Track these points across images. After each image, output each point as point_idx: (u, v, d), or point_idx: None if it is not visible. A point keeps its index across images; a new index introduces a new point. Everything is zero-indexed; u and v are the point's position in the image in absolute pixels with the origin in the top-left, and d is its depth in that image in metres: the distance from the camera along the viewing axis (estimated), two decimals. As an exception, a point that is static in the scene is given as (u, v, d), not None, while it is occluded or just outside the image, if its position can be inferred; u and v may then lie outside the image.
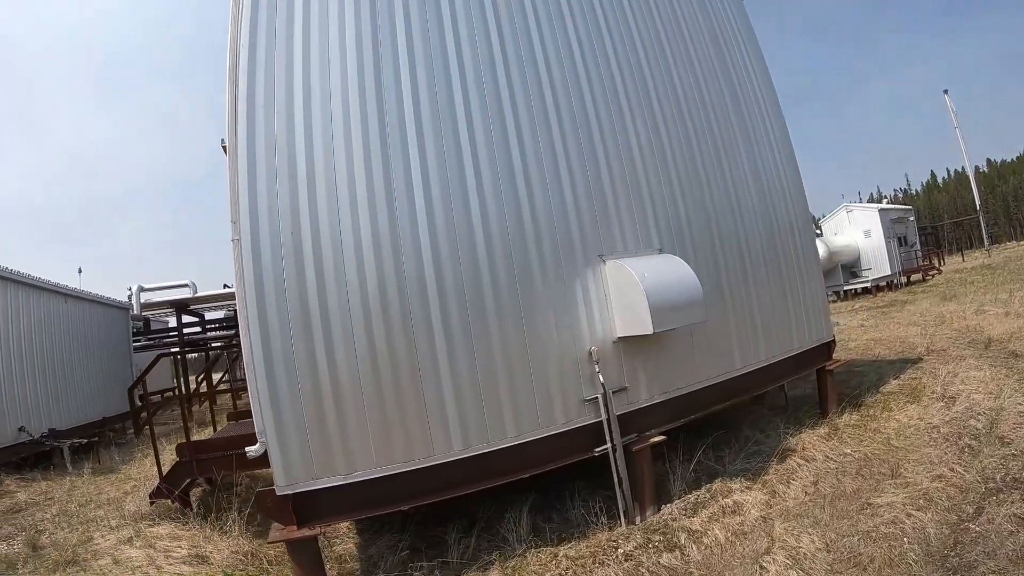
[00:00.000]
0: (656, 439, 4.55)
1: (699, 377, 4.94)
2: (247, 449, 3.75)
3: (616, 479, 4.34)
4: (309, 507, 3.59)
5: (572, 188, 4.43)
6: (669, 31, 5.45)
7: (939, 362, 7.51)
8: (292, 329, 3.68)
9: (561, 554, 3.94)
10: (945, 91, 35.73)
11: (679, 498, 4.55)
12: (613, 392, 4.39)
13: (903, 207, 26.97)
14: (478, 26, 4.37)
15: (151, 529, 4.93)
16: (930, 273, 23.82)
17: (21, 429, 9.73)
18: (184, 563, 4.24)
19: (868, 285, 21.61)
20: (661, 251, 4.77)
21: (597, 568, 3.71)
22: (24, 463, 9.25)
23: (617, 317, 4.35)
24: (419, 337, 3.86)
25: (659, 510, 4.45)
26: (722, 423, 6.20)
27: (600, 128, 4.67)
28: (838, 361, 6.48)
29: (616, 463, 4.34)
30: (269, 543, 3.94)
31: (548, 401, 4.16)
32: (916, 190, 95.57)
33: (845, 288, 22.20)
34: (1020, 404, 5.35)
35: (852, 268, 22.55)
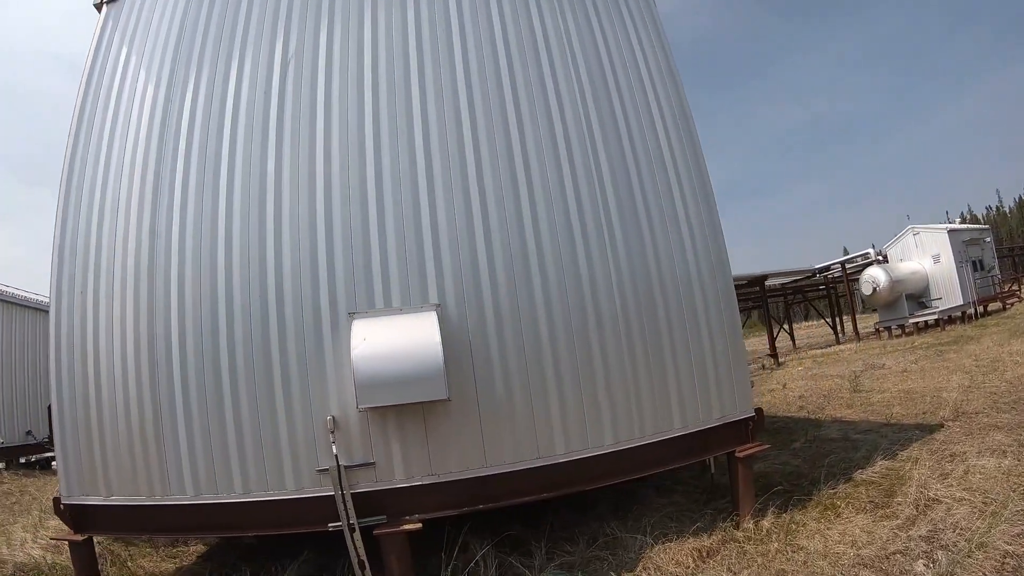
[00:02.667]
0: (410, 526, 4.02)
1: (492, 461, 4.20)
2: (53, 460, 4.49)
3: (356, 562, 3.97)
4: (81, 516, 4.15)
5: (328, 237, 4.25)
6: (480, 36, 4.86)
7: (959, 434, 5.75)
8: (75, 367, 4.31)
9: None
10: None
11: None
12: (357, 466, 4.05)
13: (978, 227, 23.18)
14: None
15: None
16: (1010, 301, 21.19)
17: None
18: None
19: (936, 317, 19.09)
20: (438, 306, 4.24)
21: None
22: None
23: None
24: (162, 392, 4.13)
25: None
26: (595, 509, 5.15)
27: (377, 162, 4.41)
28: (758, 447, 4.83)
29: (354, 544, 3.97)
30: (52, 539, 4.62)
31: (278, 465, 4.04)
32: (1010, 207, 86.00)
33: (912, 321, 19.74)
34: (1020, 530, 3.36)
35: (920, 298, 20.25)
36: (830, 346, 21.52)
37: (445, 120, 4.54)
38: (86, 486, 4.20)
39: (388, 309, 4.17)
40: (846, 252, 26.78)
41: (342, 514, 3.95)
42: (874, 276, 19.80)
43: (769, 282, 21.57)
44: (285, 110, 4.36)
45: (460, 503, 4.17)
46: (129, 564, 4.56)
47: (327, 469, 3.99)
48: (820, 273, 23.93)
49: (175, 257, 4.20)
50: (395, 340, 3.85)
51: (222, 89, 4.28)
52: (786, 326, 26.64)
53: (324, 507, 4.02)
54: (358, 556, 3.96)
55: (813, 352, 20.14)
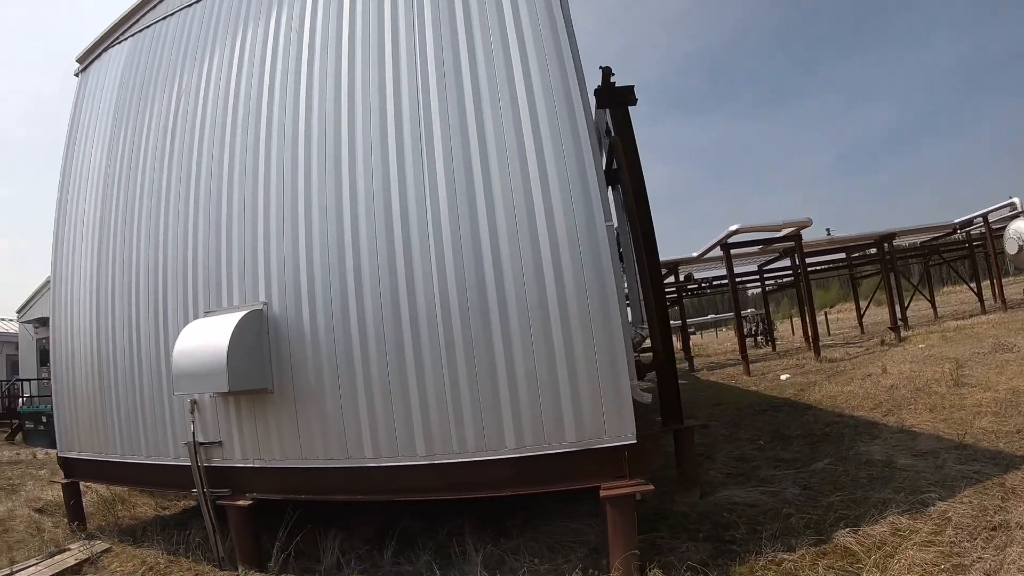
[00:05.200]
0: (242, 502, 4.44)
1: (307, 455, 4.27)
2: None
3: (208, 525, 4.60)
4: (68, 466, 5.84)
5: (193, 245, 4.85)
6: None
7: None
8: (64, 354, 5.90)
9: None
10: None
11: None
12: (209, 443, 4.63)
13: None
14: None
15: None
16: None
17: None
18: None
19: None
20: (267, 305, 4.43)
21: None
22: None
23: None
24: (102, 373, 5.42)
25: (261, 568, 4.38)
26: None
27: (229, 182, 4.79)
28: (633, 486, 3.59)
29: (208, 510, 4.60)
30: (53, 482, 6.45)
31: (165, 437, 4.91)
32: None
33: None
34: None
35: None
36: (972, 316, 18.23)
37: (285, 133, 4.61)
38: (68, 443, 5.80)
39: (226, 308, 4.57)
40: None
41: (196, 483, 4.60)
42: (1019, 231, 17.16)
43: (899, 241, 18.98)
44: (175, 140, 5.11)
45: (284, 490, 4.39)
46: (119, 508, 6.12)
47: (187, 443, 4.68)
48: (961, 229, 20.12)
49: (119, 264, 5.40)
50: (201, 337, 4.24)
51: (134, 137, 5.31)
52: (926, 292, 22.29)
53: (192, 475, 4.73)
54: (211, 520, 4.57)
55: (950, 324, 16.98)
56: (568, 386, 3.70)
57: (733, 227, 14.07)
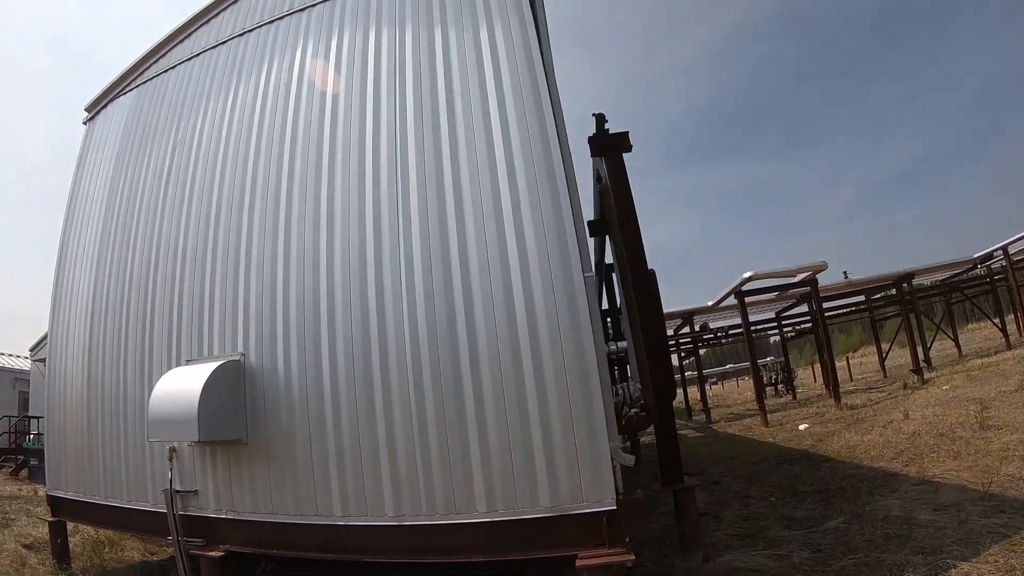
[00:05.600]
0: (214, 553, 4.36)
1: (278, 509, 4.17)
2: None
3: (182, 572, 4.54)
4: (56, 504, 5.87)
5: (179, 292, 4.91)
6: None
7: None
8: (57, 392, 5.97)
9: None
10: None
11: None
12: (186, 492, 4.60)
13: None
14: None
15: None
16: None
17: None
18: None
19: None
20: (244, 355, 4.42)
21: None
22: None
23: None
24: (94, 413, 5.47)
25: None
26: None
27: (214, 237, 4.86)
28: (614, 555, 3.35)
29: (182, 558, 4.54)
30: (41, 519, 6.42)
31: (145, 483, 4.90)
32: None
33: None
34: None
35: None
36: (998, 352, 17.19)
37: (268, 189, 4.69)
38: (55, 481, 5.86)
39: (207, 357, 4.58)
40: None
41: (172, 530, 4.55)
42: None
43: (919, 280, 18.20)
44: (168, 191, 5.25)
45: (256, 543, 4.30)
46: (106, 550, 6.10)
47: (164, 491, 4.65)
48: (981, 264, 19.27)
49: (111, 307, 5.51)
50: (176, 385, 4.24)
51: (133, 184, 5.49)
52: (949, 331, 21.34)
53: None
54: (184, 570, 4.50)
55: (974, 362, 16.18)
56: (542, 446, 3.53)
57: (747, 274, 13.73)
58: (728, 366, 44.13)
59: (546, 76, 3.98)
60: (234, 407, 4.32)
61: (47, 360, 6.12)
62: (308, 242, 4.38)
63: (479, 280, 3.82)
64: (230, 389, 4.32)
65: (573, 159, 3.94)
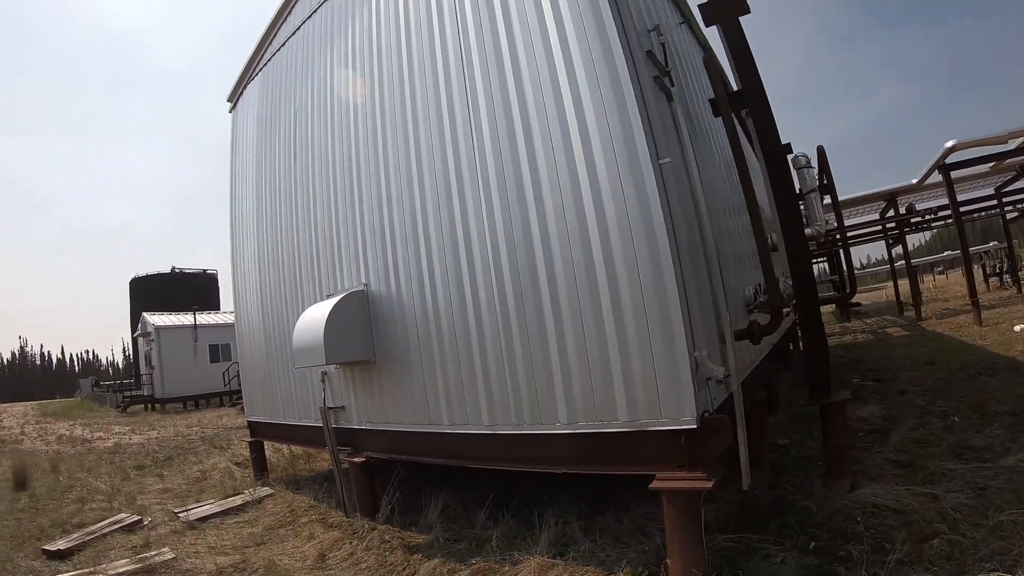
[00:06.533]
0: (358, 459, 5.14)
1: (407, 420, 4.70)
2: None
3: (337, 478, 5.46)
4: (252, 427, 7.38)
5: (316, 240, 5.68)
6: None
7: None
8: (245, 334, 7.38)
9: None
10: None
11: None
12: (336, 408, 5.45)
13: None
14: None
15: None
16: None
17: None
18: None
19: None
20: (367, 286, 4.99)
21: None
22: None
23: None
24: (270, 347, 6.67)
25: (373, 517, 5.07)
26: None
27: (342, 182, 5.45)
28: (693, 481, 3.13)
29: (337, 465, 5.46)
30: (247, 442, 7.86)
31: (306, 401, 5.91)
32: None
33: None
34: None
35: None
36: None
37: (369, 141, 5.08)
38: (251, 408, 7.26)
39: (339, 291, 5.25)
40: None
41: (328, 440, 5.46)
42: None
43: None
44: (296, 157, 6.01)
45: (387, 449, 4.94)
46: (300, 462, 7.45)
47: (320, 408, 5.56)
48: None
49: (270, 260, 6.57)
50: (310, 319, 4.95)
51: (272, 154, 6.33)
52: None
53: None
54: (338, 474, 5.41)
55: None
56: (618, 356, 3.35)
57: (949, 143, 11.19)
58: (945, 253, 37.04)
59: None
60: (362, 331, 4.92)
61: (235, 309, 7.67)
62: (404, 183, 4.68)
63: (547, 178, 3.67)
64: (356, 316, 4.92)
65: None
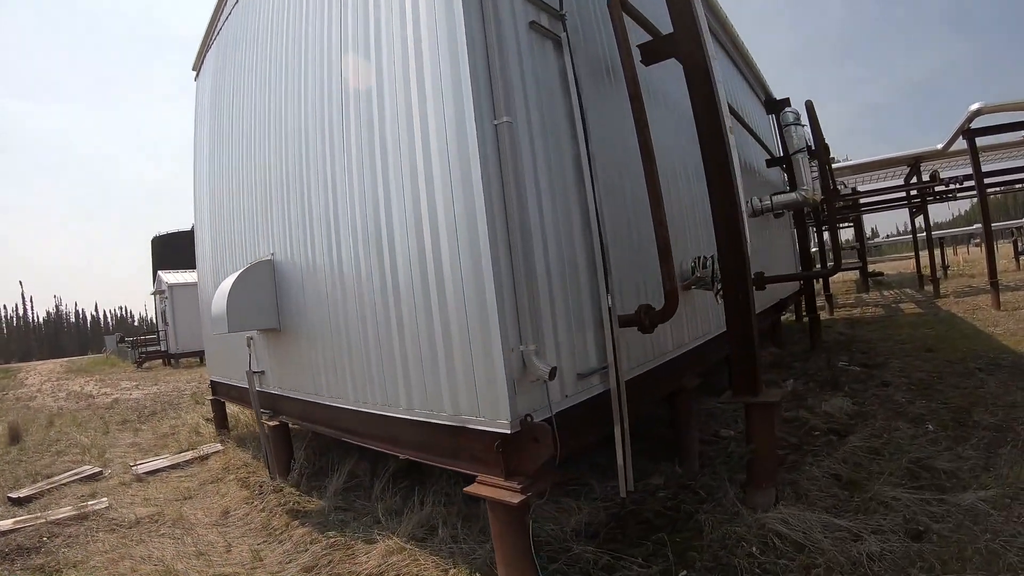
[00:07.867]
0: (272, 422, 5.32)
1: (306, 389, 4.75)
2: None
3: (262, 439, 5.67)
4: (213, 386, 7.68)
5: (238, 218, 5.78)
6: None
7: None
8: (203, 294, 7.75)
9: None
10: None
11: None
12: (259, 372, 5.62)
13: None
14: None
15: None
16: None
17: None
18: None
19: None
20: (273, 256, 5.05)
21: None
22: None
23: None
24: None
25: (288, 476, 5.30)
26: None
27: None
28: (506, 489, 2.90)
29: (260, 423, 5.67)
30: (208, 399, 8.24)
31: (242, 364, 6.06)
32: None
33: None
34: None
35: None
36: None
37: (290, 112, 5.03)
38: (211, 369, 7.54)
39: (255, 260, 5.33)
40: None
41: (253, 403, 5.66)
42: None
43: None
44: (235, 124, 6.07)
45: (301, 417, 5.02)
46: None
47: (247, 371, 5.76)
48: None
49: (216, 237, 6.77)
50: (222, 287, 5.06)
51: (219, 120, 6.41)
52: None
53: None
54: (263, 435, 5.62)
55: None
56: (442, 342, 3.15)
57: (974, 106, 9.86)
58: (975, 225, 33.52)
59: None
60: (268, 301, 5.00)
61: (197, 276, 8.04)
62: (318, 153, 4.61)
63: (390, 135, 3.45)
64: (262, 285, 5.00)
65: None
